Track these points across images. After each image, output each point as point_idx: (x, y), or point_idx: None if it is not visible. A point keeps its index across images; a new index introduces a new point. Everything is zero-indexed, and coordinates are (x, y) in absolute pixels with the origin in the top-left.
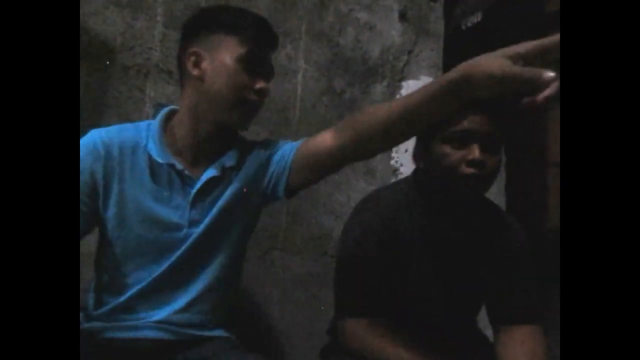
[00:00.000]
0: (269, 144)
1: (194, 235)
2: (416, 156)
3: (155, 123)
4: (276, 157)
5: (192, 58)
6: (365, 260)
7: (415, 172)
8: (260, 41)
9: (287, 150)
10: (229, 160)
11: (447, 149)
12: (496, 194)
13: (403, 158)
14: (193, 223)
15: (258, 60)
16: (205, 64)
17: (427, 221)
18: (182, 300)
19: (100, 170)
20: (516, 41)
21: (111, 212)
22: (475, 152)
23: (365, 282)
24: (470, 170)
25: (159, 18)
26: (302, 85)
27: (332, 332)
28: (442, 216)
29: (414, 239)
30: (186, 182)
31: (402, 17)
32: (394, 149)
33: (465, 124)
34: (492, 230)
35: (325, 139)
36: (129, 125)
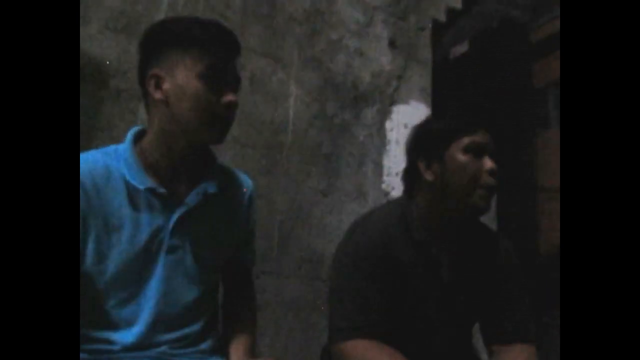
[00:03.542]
0: (244, 183)
1: (173, 262)
2: (423, 168)
3: (126, 147)
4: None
5: (153, 81)
6: (360, 280)
7: (409, 192)
8: (220, 52)
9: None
10: (211, 186)
11: (468, 158)
12: (488, 219)
13: (394, 181)
14: (172, 249)
15: (220, 73)
16: (166, 86)
17: (421, 242)
18: (169, 326)
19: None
20: (502, 70)
21: (90, 247)
22: (492, 163)
23: (360, 304)
24: (491, 179)
25: None
26: (294, 109)
27: (325, 358)
28: (437, 237)
29: (409, 259)
30: (167, 205)
31: (392, 44)
32: (385, 172)
33: (480, 136)
34: (485, 250)
35: None
36: (96, 152)
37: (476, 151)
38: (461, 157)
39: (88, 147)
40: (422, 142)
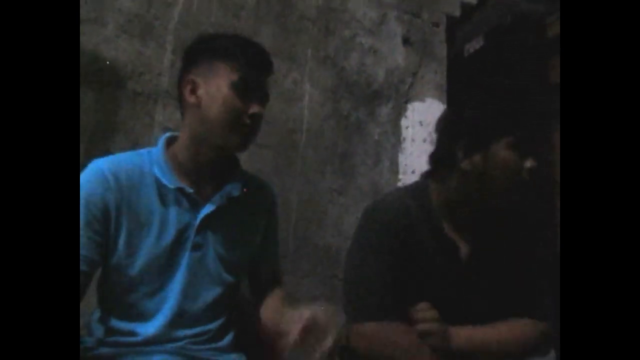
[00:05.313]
0: (267, 189)
1: (197, 259)
2: (460, 156)
3: (158, 149)
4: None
5: (189, 86)
6: (380, 262)
7: (430, 175)
8: (253, 67)
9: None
10: (235, 189)
11: (512, 154)
12: None
13: (410, 179)
14: (196, 247)
15: (251, 86)
16: (200, 91)
17: (441, 225)
18: (191, 320)
19: (112, 200)
20: (517, 66)
21: (122, 240)
22: (534, 161)
23: (379, 285)
24: (528, 178)
25: (168, 46)
26: (308, 108)
27: (344, 356)
28: (459, 221)
29: (428, 242)
30: (193, 204)
31: (406, 41)
32: (401, 170)
33: (527, 134)
34: (509, 237)
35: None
36: (130, 153)
37: (521, 149)
38: (505, 153)
39: (106, 149)
40: (464, 130)
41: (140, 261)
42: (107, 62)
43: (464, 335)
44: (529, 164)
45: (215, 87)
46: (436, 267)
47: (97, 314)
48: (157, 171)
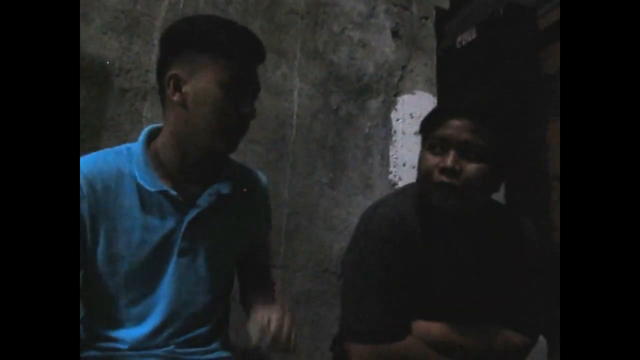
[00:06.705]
0: (258, 182)
1: (185, 265)
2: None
3: (138, 147)
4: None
5: (172, 82)
6: (380, 270)
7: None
8: (244, 60)
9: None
10: (224, 187)
11: (427, 155)
12: None
13: (401, 172)
14: (183, 252)
15: (243, 82)
16: (186, 88)
17: (436, 227)
18: (179, 328)
19: (85, 208)
20: (510, 58)
21: (100, 248)
22: (447, 160)
23: (379, 299)
24: (442, 178)
25: (155, 42)
26: (298, 103)
27: (336, 349)
28: (448, 222)
29: (426, 245)
30: (178, 207)
31: (395, 34)
32: (392, 164)
33: (442, 130)
34: (505, 235)
35: None
36: (107, 152)
37: (438, 147)
38: (422, 155)
39: (94, 147)
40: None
41: (123, 269)
42: (107, 62)
43: (421, 328)
44: (442, 163)
45: (203, 86)
46: (436, 274)
47: (81, 317)
48: (137, 173)
